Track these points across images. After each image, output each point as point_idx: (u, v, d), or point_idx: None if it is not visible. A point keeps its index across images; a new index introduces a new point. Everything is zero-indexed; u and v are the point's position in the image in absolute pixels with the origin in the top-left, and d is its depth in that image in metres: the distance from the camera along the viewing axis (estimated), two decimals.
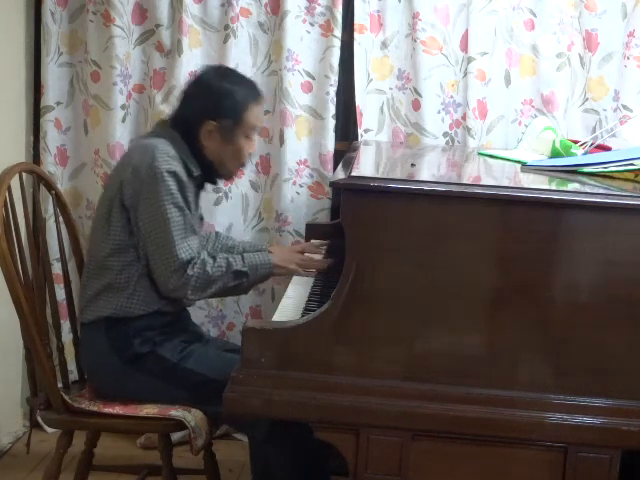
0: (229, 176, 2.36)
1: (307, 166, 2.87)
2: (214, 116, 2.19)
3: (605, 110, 2.79)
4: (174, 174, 2.09)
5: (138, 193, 2.09)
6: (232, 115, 2.20)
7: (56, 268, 2.64)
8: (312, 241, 2.63)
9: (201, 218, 2.40)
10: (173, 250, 2.06)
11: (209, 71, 2.32)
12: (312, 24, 2.82)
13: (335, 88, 2.83)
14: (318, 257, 2.36)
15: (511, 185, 1.96)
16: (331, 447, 1.74)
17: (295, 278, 2.28)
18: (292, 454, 2.07)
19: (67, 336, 2.50)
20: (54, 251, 2.65)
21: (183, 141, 2.21)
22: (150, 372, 2.12)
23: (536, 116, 2.76)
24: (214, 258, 2.11)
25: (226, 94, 2.20)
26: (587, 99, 2.80)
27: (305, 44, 2.82)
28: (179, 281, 2.07)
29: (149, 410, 2.07)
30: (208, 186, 3.01)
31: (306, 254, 2.32)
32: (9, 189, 2.10)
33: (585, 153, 2.23)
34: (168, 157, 2.11)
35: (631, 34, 2.74)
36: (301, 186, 2.87)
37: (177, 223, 2.08)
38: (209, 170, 2.26)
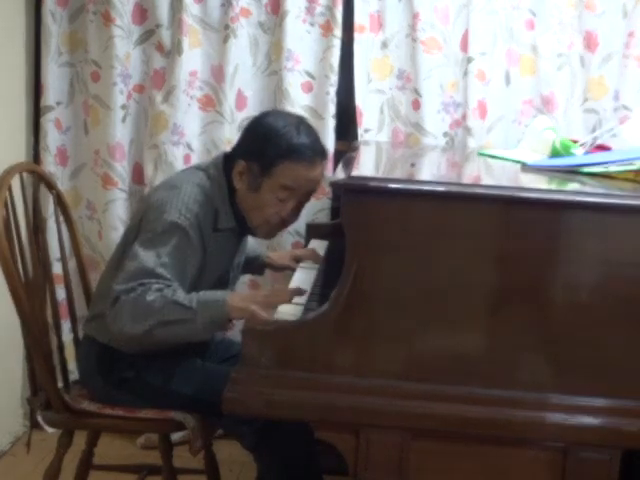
0: (255, 232, 2.08)
1: None
2: (246, 156, 1.98)
3: (605, 110, 2.79)
4: (177, 227, 1.89)
5: (142, 231, 1.96)
6: (261, 160, 1.95)
7: (56, 268, 2.63)
8: (312, 240, 2.63)
9: (235, 276, 2.15)
10: (114, 282, 1.88)
11: (274, 111, 2.05)
12: (312, 24, 2.82)
13: (335, 88, 2.83)
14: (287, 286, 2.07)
15: (511, 185, 1.96)
16: (330, 447, 1.73)
17: (296, 278, 2.21)
18: (281, 463, 1.98)
19: (67, 336, 2.50)
20: (54, 251, 2.64)
21: (226, 182, 2.01)
22: (135, 394, 2.07)
23: (536, 116, 2.76)
24: (163, 289, 1.85)
25: (265, 136, 1.96)
26: (587, 99, 2.81)
27: (305, 44, 2.82)
28: (112, 310, 1.86)
29: (148, 411, 2.07)
30: None
31: (274, 287, 2.00)
32: (10, 189, 2.10)
33: (585, 153, 2.23)
34: (186, 208, 1.90)
35: (631, 34, 2.75)
36: None
37: (141, 269, 1.85)
38: (243, 220, 2.03)
